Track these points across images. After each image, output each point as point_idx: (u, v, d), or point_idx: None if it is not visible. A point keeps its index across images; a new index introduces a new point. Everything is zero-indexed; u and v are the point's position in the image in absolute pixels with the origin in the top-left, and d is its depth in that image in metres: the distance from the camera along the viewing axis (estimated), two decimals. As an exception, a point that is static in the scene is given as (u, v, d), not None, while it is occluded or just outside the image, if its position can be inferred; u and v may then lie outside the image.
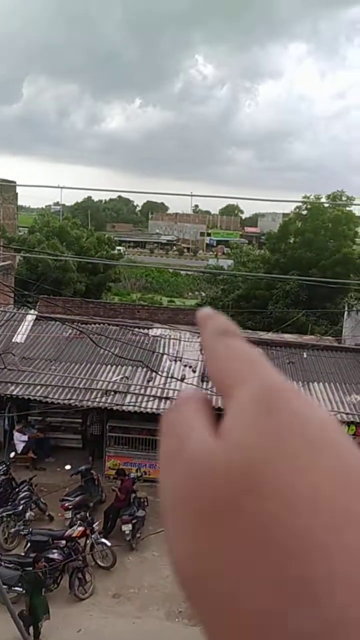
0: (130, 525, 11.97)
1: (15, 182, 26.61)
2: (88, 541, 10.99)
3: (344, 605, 0.21)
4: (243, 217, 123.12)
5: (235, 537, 0.23)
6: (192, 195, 14.25)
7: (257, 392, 0.27)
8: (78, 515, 11.63)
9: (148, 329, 18.48)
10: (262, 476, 0.24)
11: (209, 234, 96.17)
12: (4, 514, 11.79)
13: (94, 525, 11.18)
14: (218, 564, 0.23)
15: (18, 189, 29.47)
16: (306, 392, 14.99)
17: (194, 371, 15.87)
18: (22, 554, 10.63)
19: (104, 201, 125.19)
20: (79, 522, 11.21)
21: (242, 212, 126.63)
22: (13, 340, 16.48)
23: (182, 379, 14.98)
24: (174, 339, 17.62)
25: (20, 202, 33.39)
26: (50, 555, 10.35)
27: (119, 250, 50.77)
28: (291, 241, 30.29)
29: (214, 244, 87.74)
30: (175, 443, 0.27)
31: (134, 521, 12.06)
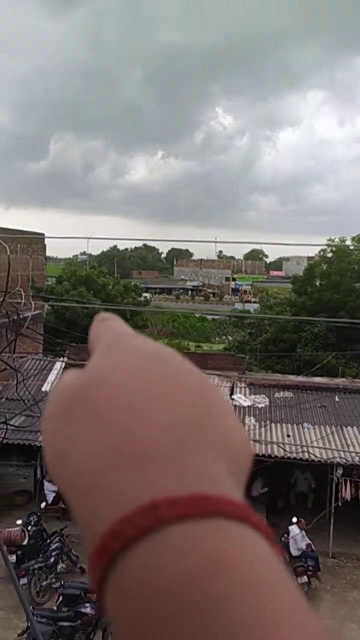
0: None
1: (44, 234, 27.37)
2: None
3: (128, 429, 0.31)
4: (268, 262, 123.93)
5: (77, 420, 0.33)
6: (216, 242, 14.57)
7: (106, 340, 0.40)
8: (110, 568, 11.37)
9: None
10: (93, 384, 0.35)
11: (234, 279, 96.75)
12: (35, 566, 11.58)
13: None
14: (66, 440, 0.33)
15: (46, 241, 30.26)
16: (340, 437, 14.67)
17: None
18: (55, 608, 10.37)
19: (129, 249, 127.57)
20: (111, 574, 10.95)
21: (266, 256, 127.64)
22: (42, 389, 16.60)
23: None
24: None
25: (48, 253, 34.21)
26: (83, 610, 10.09)
27: (145, 297, 51.38)
28: (317, 284, 30.24)
29: (240, 289, 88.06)
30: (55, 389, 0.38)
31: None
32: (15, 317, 3.66)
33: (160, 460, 0.30)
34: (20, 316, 3.76)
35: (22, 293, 3.74)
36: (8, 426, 4.00)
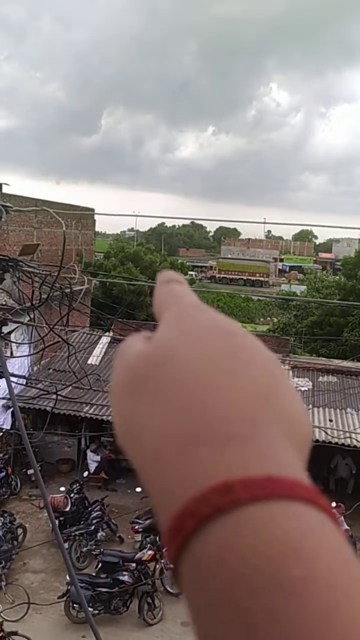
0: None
1: (93, 210, 27.60)
2: (158, 566, 10.95)
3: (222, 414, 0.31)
4: (317, 243, 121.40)
5: (150, 397, 0.34)
6: (264, 223, 14.26)
7: (174, 310, 0.39)
8: (148, 539, 11.64)
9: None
10: (164, 358, 0.35)
11: (281, 260, 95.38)
12: (77, 533, 11.98)
13: (163, 550, 11.14)
14: (138, 418, 0.34)
15: (95, 216, 30.47)
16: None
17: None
18: (94, 573, 10.74)
19: (177, 227, 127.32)
20: (149, 545, 11.21)
21: (316, 237, 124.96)
22: (88, 362, 16.92)
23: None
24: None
25: (96, 228, 34.58)
26: (121, 577, 10.40)
27: (192, 275, 51.35)
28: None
29: (287, 270, 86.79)
30: (120, 357, 0.39)
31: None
32: (68, 291, 3.73)
33: (234, 439, 0.30)
34: (73, 290, 3.83)
35: (76, 268, 3.82)
36: (58, 396, 4.12)
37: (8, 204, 3.67)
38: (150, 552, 10.96)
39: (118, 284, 28.17)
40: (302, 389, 16.24)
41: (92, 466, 15.51)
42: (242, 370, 0.34)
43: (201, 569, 0.28)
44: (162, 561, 10.94)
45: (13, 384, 3.12)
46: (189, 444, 0.30)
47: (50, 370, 15.51)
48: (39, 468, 14.92)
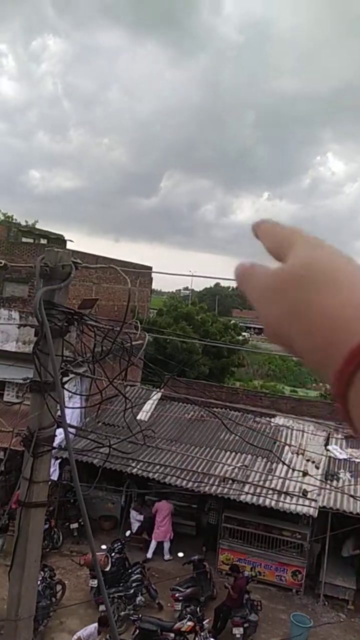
0: (241, 629, 11.19)
1: (151, 268, 28.33)
2: (197, 638, 10.42)
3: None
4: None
5: (310, 287, 0.43)
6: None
7: (301, 239, 0.49)
8: (188, 609, 11.14)
9: (271, 417, 18.06)
10: (313, 269, 0.44)
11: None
12: (115, 595, 11.62)
13: (204, 622, 10.63)
14: (285, 317, 0.44)
15: (152, 274, 31.24)
16: None
17: (317, 467, 15.05)
18: (130, 640, 10.32)
19: (231, 288, 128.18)
20: (189, 615, 10.72)
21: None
22: (137, 418, 16.91)
23: (304, 474, 14.25)
24: (297, 430, 17.00)
25: (153, 286, 35.35)
26: (158, 648, 9.95)
27: (244, 336, 51.21)
28: None
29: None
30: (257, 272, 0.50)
31: (245, 625, 11.28)
32: (128, 346, 3.82)
33: None
34: (132, 345, 3.92)
35: (138, 324, 3.93)
36: (110, 450, 4.13)
37: (78, 261, 3.84)
38: (190, 623, 10.47)
39: (172, 342, 28.38)
40: (357, 460, 15.56)
41: (135, 525, 15.19)
42: None
43: None
44: (202, 634, 10.42)
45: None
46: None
47: (100, 424, 15.56)
48: (82, 524, 14.69)
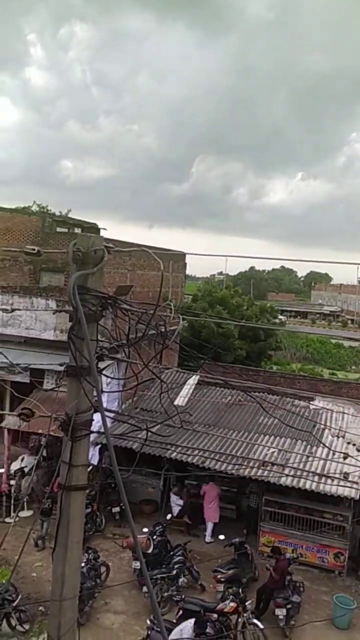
0: (284, 610, 11.21)
1: (184, 253, 28.27)
2: (240, 619, 10.49)
3: None
4: None
5: None
6: (358, 264, 13.83)
7: None
8: (230, 590, 11.21)
9: (310, 400, 17.88)
10: None
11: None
12: (158, 576, 11.79)
13: (246, 603, 10.68)
14: None
15: (186, 259, 31.16)
16: None
17: (358, 450, 14.85)
18: (174, 620, 10.45)
19: (266, 271, 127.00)
20: (231, 597, 10.79)
21: None
22: (175, 403, 16.99)
23: (345, 458, 14.07)
24: (337, 412, 16.80)
25: (187, 272, 35.27)
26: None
27: (280, 319, 50.70)
28: None
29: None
30: None
31: (288, 606, 11.28)
32: (162, 329, 3.80)
33: None
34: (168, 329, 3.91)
35: (171, 306, 3.91)
36: (148, 433, 4.17)
37: (110, 245, 3.84)
38: (232, 604, 10.54)
39: (207, 327, 28.34)
40: None
41: (176, 509, 15.34)
42: None
43: None
44: (245, 615, 10.48)
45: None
46: None
47: (138, 409, 15.71)
48: (123, 507, 14.88)
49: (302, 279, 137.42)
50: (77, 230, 24.43)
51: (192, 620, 9.56)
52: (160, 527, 13.42)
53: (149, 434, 4.57)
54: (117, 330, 3.94)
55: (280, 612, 11.22)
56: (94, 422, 3.80)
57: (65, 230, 24.29)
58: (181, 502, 15.38)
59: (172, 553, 12.67)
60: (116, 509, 15.04)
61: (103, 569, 12.31)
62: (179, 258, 28.29)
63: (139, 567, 12.29)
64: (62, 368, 3.90)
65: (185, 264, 31.10)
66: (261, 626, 10.50)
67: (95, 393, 3.56)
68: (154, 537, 12.93)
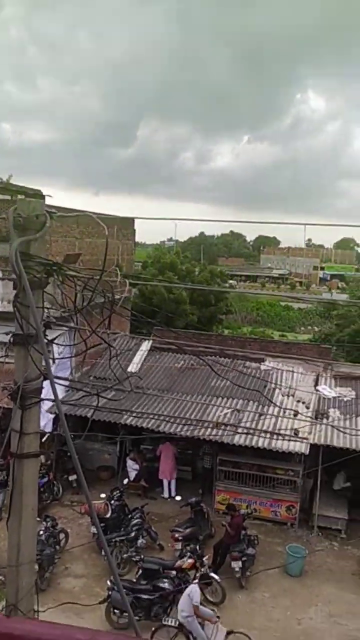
0: (240, 563, 11.69)
1: (132, 217, 27.85)
2: (197, 574, 10.87)
3: None
4: (359, 251, 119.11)
5: None
6: (305, 224, 14.11)
7: None
8: (188, 547, 11.58)
9: (261, 361, 18.28)
10: None
11: (322, 268, 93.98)
12: (117, 539, 12.03)
13: (203, 559, 11.06)
14: None
15: (135, 226, 30.74)
16: None
17: (307, 407, 15.38)
18: (134, 580, 10.74)
19: (215, 236, 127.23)
20: (189, 554, 11.15)
21: (358, 245, 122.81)
22: (128, 370, 17.04)
23: (295, 415, 14.58)
24: (287, 371, 17.27)
25: (136, 238, 34.92)
26: (161, 584, 10.38)
27: (231, 283, 51.16)
28: None
29: (328, 278, 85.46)
30: None
31: (243, 559, 11.77)
32: (109, 295, 3.78)
33: None
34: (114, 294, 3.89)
35: (117, 272, 3.88)
36: (99, 400, 4.16)
37: (52, 210, 3.75)
38: (190, 560, 10.89)
39: (158, 293, 28.31)
40: (346, 398, 15.92)
41: (132, 474, 15.57)
42: None
43: None
44: (202, 569, 10.86)
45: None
46: None
47: (91, 378, 15.68)
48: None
49: (251, 243, 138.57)
50: (21, 198, 23.63)
51: (196, 584, 9.79)
52: (118, 492, 13.61)
53: (102, 400, 4.58)
54: (64, 298, 3.90)
55: (236, 565, 11.69)
56: (44, 390, 3.77)
57: (8, 197, 23.48)
58: (137, 467, 15.61)
59: (130, 516, 12.91)
60: (73, 477, 15.11)
61: (62, 535, 12.44)
62: (127, 224, 27.88)
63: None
64: (8, 338, 3.83)
65: (134, 230, 30.71)
66: (219, 579, 10.92)
67: (44, 361, 3.53)
68: (112, 501, 13.11)
